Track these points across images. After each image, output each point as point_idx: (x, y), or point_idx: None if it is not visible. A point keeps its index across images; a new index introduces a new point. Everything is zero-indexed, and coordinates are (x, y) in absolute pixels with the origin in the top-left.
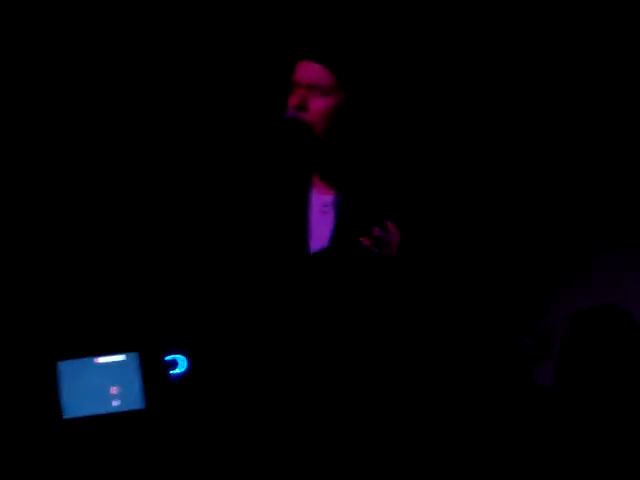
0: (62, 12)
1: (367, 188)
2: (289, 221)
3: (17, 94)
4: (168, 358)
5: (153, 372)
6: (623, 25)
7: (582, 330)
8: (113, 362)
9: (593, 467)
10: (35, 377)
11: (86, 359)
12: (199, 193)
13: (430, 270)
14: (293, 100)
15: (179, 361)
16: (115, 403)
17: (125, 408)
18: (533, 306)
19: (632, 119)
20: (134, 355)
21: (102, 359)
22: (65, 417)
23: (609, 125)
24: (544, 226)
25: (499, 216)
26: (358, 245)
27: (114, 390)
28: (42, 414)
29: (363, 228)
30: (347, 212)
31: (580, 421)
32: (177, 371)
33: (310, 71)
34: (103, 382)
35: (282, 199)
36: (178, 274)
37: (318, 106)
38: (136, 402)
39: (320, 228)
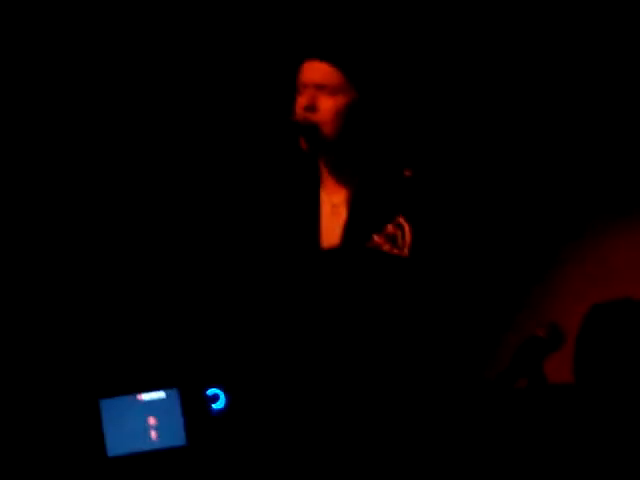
0: (61, 12)
1: (378, 187)
2: (300, 221)
3: (17, 94)
4: (209, 392)
5: (194, 408)
6: (623, 25)
7: (598, 325)
8: (154, 399)
9: (609, 464)
10: (77, 415)
11: (127, 396)
12: (212, 202)
13: (441, 270)
14: (302, 100)
15: (219, 395)
16: (157, 440)
17: (167, 445)
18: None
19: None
20: (174, 391)
21: (143, 396)
22: (109, 455)
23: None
24: (546, 220)
25: (505, 213)
26: (369, 244)
27: (156, 427)
28: (86, 452)
29: (375, 226)
30: (358, 211)
31: (599, 418)
32: (218, 406)
33: (318, 70)
34: (144, 419)
35: (292, 200)
36: (212, 304)
37: (328, 106)
38: (178, 439)
39: (331, 228)
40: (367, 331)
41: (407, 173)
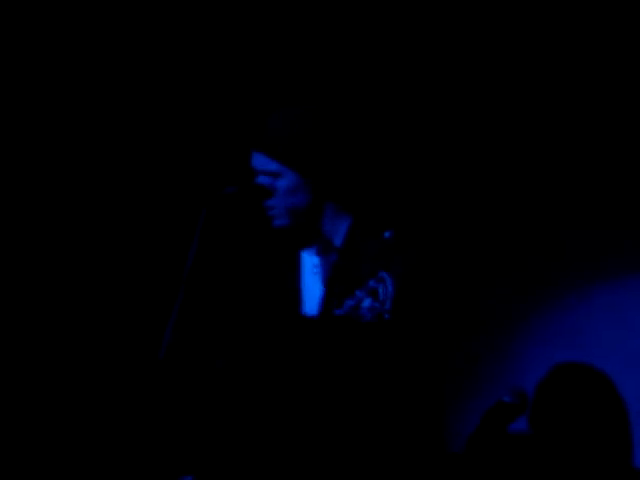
0: (60, 12)
1: (358, 248)
2: (282, 283)
3: (17, 94)
4: None
5: None
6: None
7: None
8: None
9: None
10: None
11: None
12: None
13: (423, 329)
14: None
15: None
16: None
17: None
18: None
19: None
20: None
21: None
22: None
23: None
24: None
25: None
26: (351, 300)
27: None
28: None
29: (356, 283)
30: (339, 271)
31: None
32: None
33: (257, 159)
34: None
35: (273, 261)
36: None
37: (277, 187)
38: None
39: (312, 288)
40: (346, 395)
41: (386, 235)
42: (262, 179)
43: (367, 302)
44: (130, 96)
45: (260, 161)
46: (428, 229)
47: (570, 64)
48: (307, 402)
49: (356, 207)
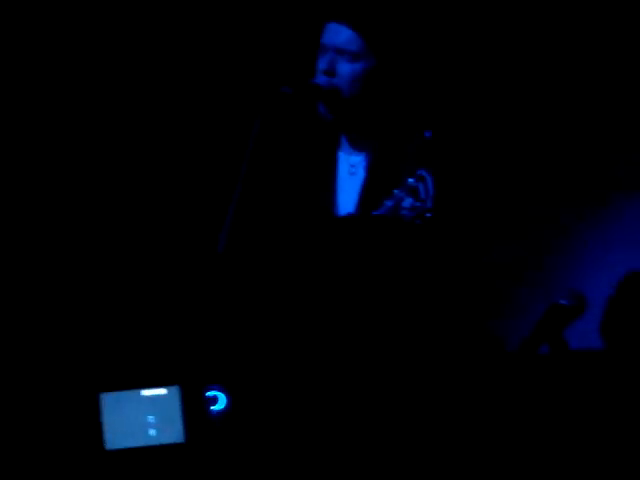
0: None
1: (397, 147)
2: (317, 182)
3: (17, 94)
4: (209, 394)
5: (194, 406)
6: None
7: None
8: (155, 395)
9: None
10: (77, 408)
11: (128, 391)
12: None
13: (463, 225)
14: (322, 64)
15: (220, 397)
16: (156, 436)
17: (165, 441)
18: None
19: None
20: (176, 389)
21: (144, 392)
22: (107, 448)
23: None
24: (567, 183)
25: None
26: (389, 200)
27: (155, 423)
28: (84, 445)
29: (394, 182)
30: (377, 170)
31: (625, 386)
32: (218, 407)
33: (340, 35)
34: (144, 415)
35: (310, 160)
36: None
37: (347, 71)
38: (176, 436)
39: (348, 189)
40: (377, 303)
41: (427, 134)
42: (319, 79)
43: (408, 202)
44: None
45: (340, 38)
46: (470, 127)
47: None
48: (345, 304)
49: (398, 104)
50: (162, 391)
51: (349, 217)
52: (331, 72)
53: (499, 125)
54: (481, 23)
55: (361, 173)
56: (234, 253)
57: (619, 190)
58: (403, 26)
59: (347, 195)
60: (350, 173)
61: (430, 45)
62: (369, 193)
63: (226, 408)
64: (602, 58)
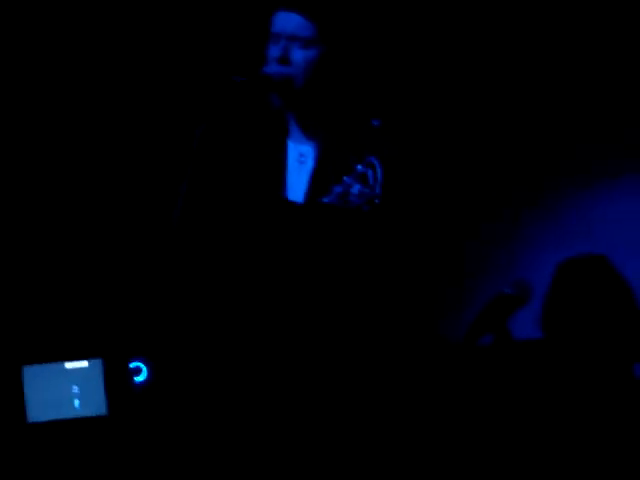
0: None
1: (346, 136)
2: (266, 170)
3: (17, 94)
4: (132, 365)
5: (116, 379)
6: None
7: (570, 279)
8: (77, 368)
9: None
10: (0, 381)
11: (51, 364)
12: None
13: (412, 213)
14: (274, 52)
15: (142, 369)
16: (79, 409)
17: (88, 414)
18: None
19: None
20: (98, 361)
21: (67, 365)
22: (29, 421)
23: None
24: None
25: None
26: (339, 186)
27: (78, 395)
28: (6, 418)
29: (344, 169)
30: (326, 158)
31: (567, 374)
32: (140, 379)
33: (291, 22)
34: (67, 387)
35: (259, 148)
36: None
37: (300, 58)
38: (99, 408)
39: (297, 177)
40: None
41: (374, 123)
42: (272, 68)
43: (356, 188)
44: None
45: (291, 24)
46: (418, 115)
47: None
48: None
49: (348, 93)
50: (85, 364)
51: (297, 204)
52: (285, 59)
53: (449, 113)
54: (431, 7)
55: (310, 162)
56: (182, 235)
57: (572, 181)
58: (353, 11)
59: (296, 183)
60: (299, 162)
61: (380, 31)
62: (318, 181)
63: (148, 379)
64: (559, 49)
